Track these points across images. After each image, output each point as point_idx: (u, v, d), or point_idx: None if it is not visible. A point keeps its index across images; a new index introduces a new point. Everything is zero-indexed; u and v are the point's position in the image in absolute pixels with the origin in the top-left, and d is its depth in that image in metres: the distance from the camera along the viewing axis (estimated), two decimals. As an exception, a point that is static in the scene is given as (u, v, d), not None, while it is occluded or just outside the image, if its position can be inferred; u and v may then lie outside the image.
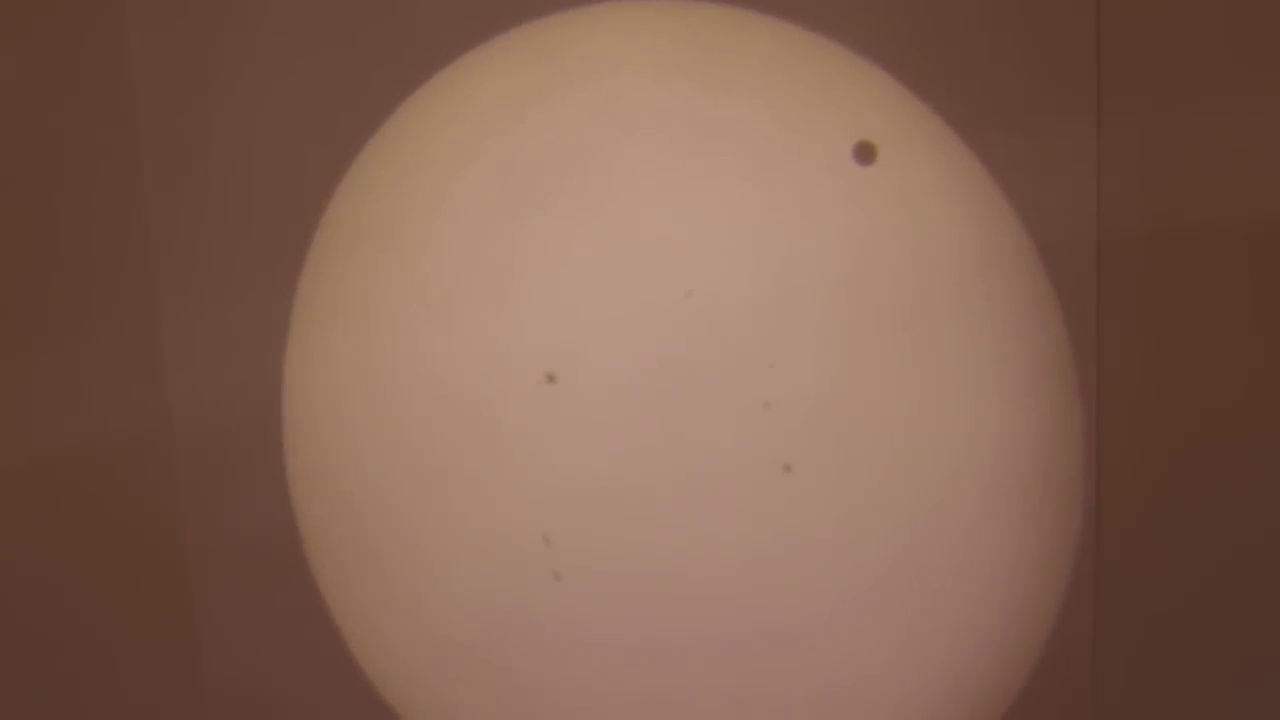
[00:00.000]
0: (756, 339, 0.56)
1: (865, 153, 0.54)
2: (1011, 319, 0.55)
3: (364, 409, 0.60)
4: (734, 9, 0.53)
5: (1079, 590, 0.58)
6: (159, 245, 0.61)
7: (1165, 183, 0.55)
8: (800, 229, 0.55)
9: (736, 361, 0.56)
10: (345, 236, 0.59)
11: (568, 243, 0.57)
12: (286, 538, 0.62)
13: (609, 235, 0.56)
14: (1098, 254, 0.54)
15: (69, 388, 0.60)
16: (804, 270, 0.55)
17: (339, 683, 0.63)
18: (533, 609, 0.59)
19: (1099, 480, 0.57)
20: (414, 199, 0.58)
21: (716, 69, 0.53)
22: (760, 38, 0.53)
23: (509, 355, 0.58)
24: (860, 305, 0.55)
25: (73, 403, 0.61)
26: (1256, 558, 0.58)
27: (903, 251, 0.55)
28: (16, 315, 0.59)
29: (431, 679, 0.62)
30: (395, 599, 0.62)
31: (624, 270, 0.57)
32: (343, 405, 0.61)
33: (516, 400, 0.57)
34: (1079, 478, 0.57)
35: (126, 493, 0.62)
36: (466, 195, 0.57)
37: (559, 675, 0.60)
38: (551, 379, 0.57)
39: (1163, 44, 0.54)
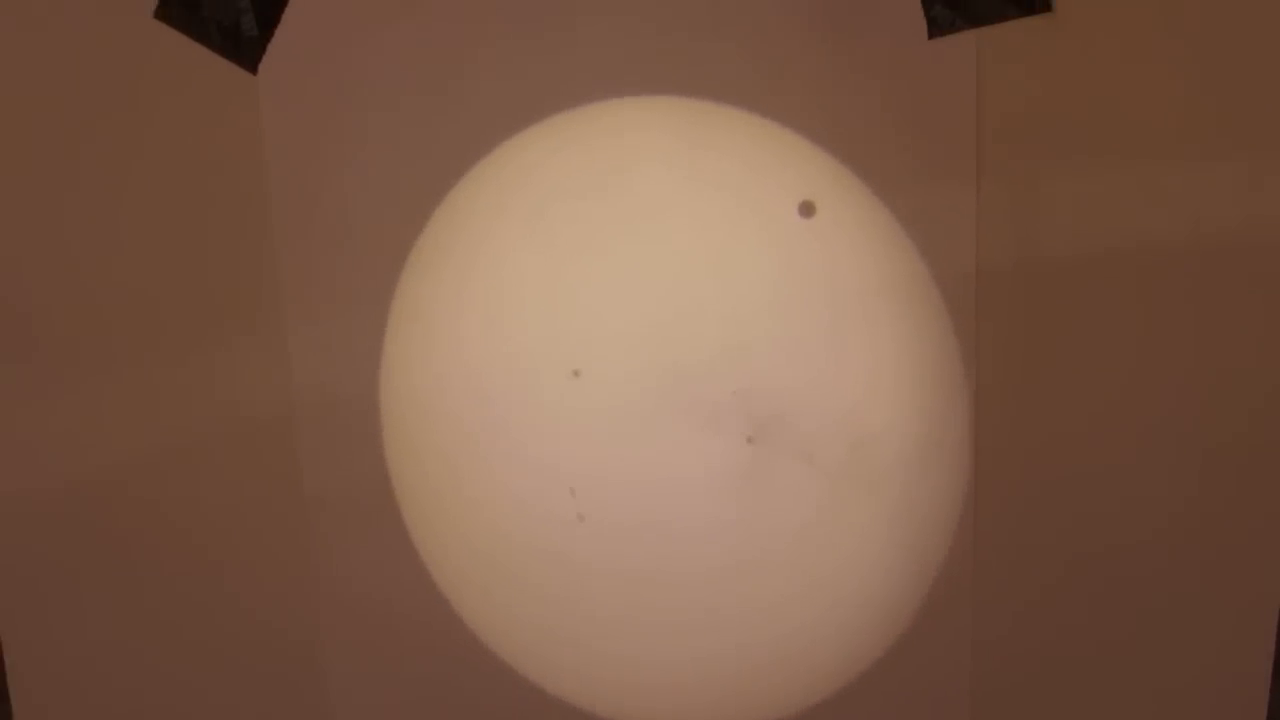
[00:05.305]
0: (725, 343, 0.63)
1: (807, 209, 0.61)
2: (909, 330, 0.61)
3: (438, 392, 0.66)
4: (707, 103, 0.60)
5: (961, 548, 0.64)
6: (287, 278, 0.65)
7: (1027, 229, 0.60)
8: (761, 265, 0.62)
9: (711, 359, 0.63)
10: (428, 262, 0.65)
11: (596, 271, 0.63)
12: (381, 486, 0.68)
13: (628, 270, 0.63)
14: (976, 281, 0.60)
15: (215, 375, 0.67)
16: (763, 291, 0.62)
17: (419, 596, 0.69)
18: (559, 543, 0.66)
19: (976, 456, 0.63)
20: (482, 249, 0.64)
21: (693, 156, 0.61)
22: (727, 129, 0.60)
23: (544, 355, 0.64)
24: (798, 318, 0.62)
25: (217, 386, 0.67)
26: (1108, 523, 0.63)
27: (831, 279, 0.62)
28: (177, 321, 0.66)
29: (488, 586, 0.68)
30: (464, 527, 0.68)
31: (634, 292, 0.63)
32: (422, 391, 0.66)
33: (550, 389, 0.65)
34: (961, 453, 0.63)
35: (260, 457, 0.68)
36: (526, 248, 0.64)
37: (583, 590, 0.67)
38: (577, 374, 0.64)
39: (1028, 123, 0.59)
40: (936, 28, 0.58)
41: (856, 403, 0.63)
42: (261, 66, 0.63)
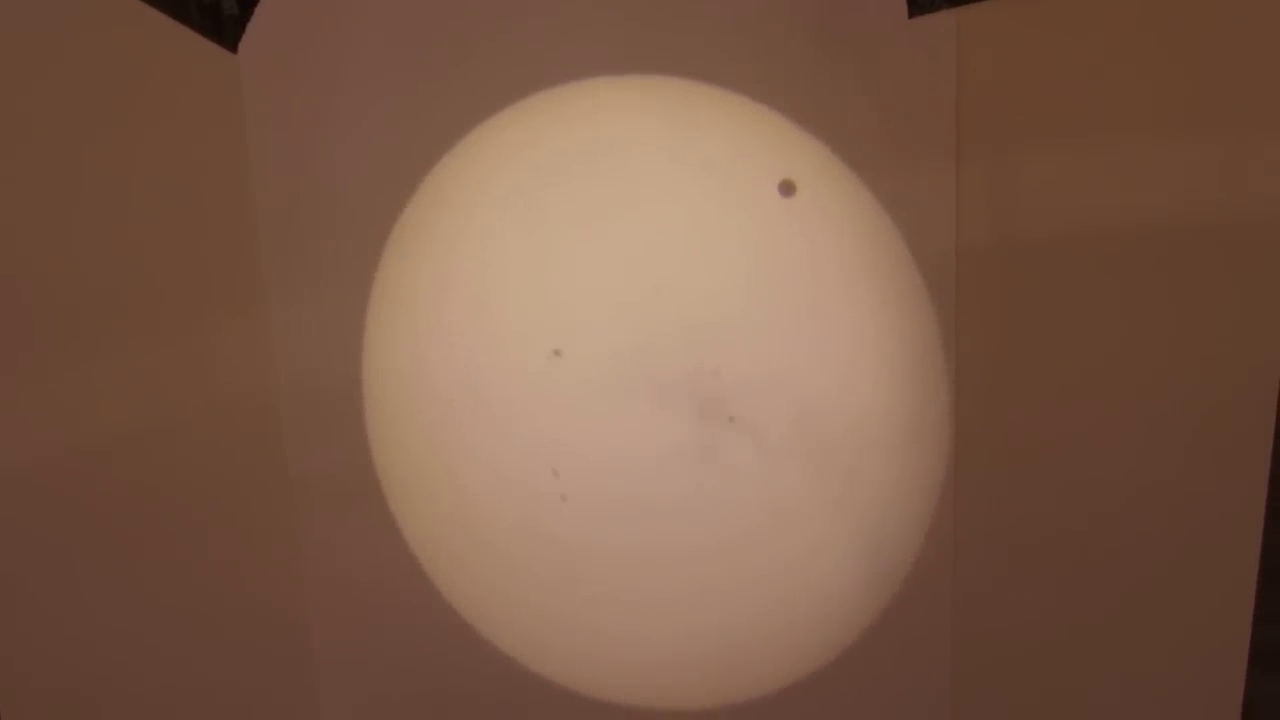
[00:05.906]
0: (706, 322, 0.63)
1: (787, 188, 0.61)
2: (889, 309, 0.62)
3: (421, 373, 0.67)
4: (689, 82, 0.60)
5: (940, 528, 0.64)
6: (269, 260, 0.66)
7: (1007, 209, 0.61)
8: (742, 245, 0.62)
9: (693, 339, 0.63)
10: (410, 242, 0.64)
11: (578, 250, 0.63)
12: (365, 467, 0.68)
13: (610, 250, 0.64)
14: (956, 261, 0.61)
15: (198, 358, 0.67)
16: (744, 271, 0.62)
17: (403, 576, 0.69)
18: (542, 522, 0.67)
19: (956, 437, 0.63)
20: (464, 229, 0.64)
21: (675, 136, 0.61)
22: (709, 109, 0.60)
23: (526, 335, 0.65)
24: (779, 298, 0.62)
25: (201, 369, 0.67)
26: (1088, 502, 0.64)
27: (812, 259, 0.62)
28: (160, 304, 0.66)
29: (472, 566, 0.69)
30: (448, 507, 0.68)
31: (616, 272, 0.64)
32: (405, 372, 0.67)
33: (532, 369, 0.65)
34: (941, 433, 0.63)
35: (245, 440, 0.68)
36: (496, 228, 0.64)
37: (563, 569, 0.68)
38: (558, 353, 0.65)
39: (1007, 103, 0.60)
40: (917, 7, 0.58)
41: (837, 382, 0.64)
42: (242, 45, 0.62)
